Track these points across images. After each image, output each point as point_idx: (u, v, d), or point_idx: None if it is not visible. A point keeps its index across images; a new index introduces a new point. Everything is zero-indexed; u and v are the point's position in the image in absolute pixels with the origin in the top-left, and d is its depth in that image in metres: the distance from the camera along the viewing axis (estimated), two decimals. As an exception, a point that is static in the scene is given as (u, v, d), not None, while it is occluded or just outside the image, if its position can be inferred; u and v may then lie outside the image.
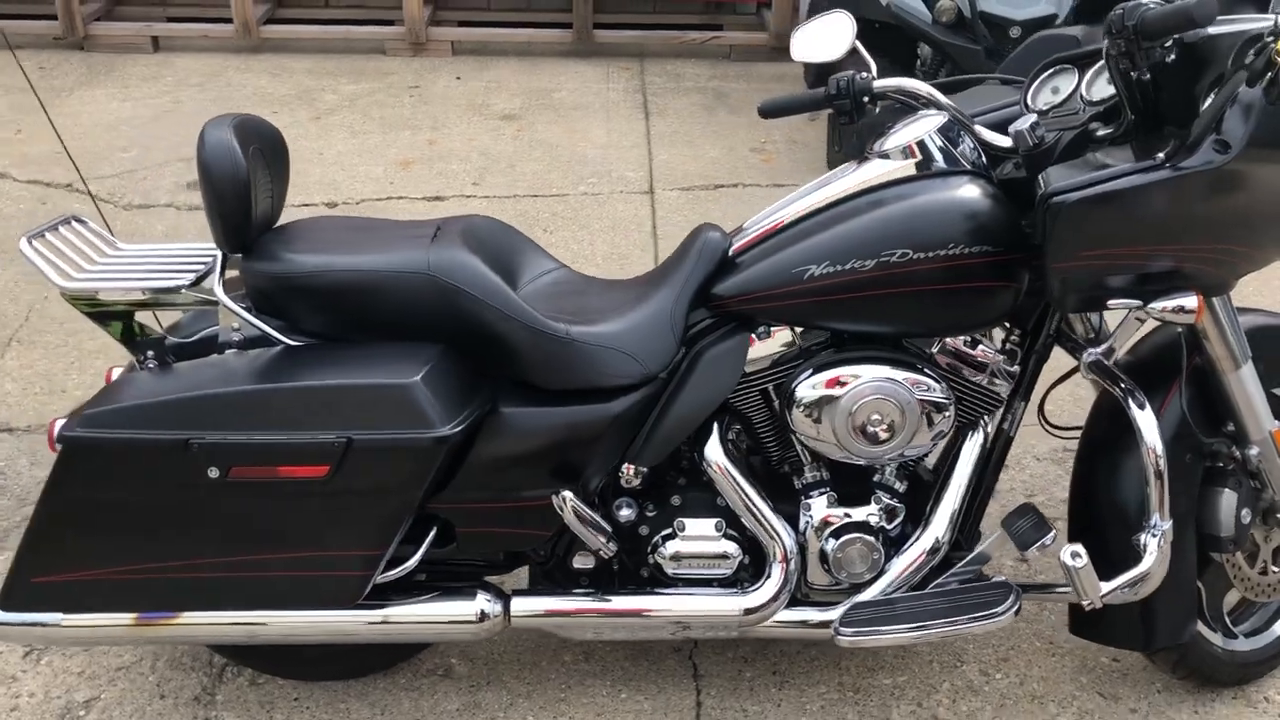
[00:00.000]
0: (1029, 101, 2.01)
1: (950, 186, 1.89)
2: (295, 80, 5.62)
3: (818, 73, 4.28)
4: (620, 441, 1.94)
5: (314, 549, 1.81)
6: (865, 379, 1.90)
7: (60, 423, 1.77)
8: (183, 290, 1.85)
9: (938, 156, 1.95)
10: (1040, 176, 1.77)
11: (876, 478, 2.05)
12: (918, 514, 2.05)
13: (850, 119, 2.00)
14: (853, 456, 1.96)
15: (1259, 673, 2.25)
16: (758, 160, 4.82)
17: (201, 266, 1.88)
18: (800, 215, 1.95)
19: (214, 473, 1.71)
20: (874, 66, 2.04)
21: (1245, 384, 2.01)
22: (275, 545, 1.81)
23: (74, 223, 1.98)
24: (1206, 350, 1.98)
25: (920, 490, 2.08)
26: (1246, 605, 2.27)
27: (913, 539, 2.02)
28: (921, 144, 1.94)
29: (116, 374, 1.95)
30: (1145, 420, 1.88)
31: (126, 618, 1.86)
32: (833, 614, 2.01)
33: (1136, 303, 1.83)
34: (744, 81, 5.81)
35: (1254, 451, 2.04)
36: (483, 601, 1.97)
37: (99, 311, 1.89)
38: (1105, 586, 1.93)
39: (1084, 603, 1.93)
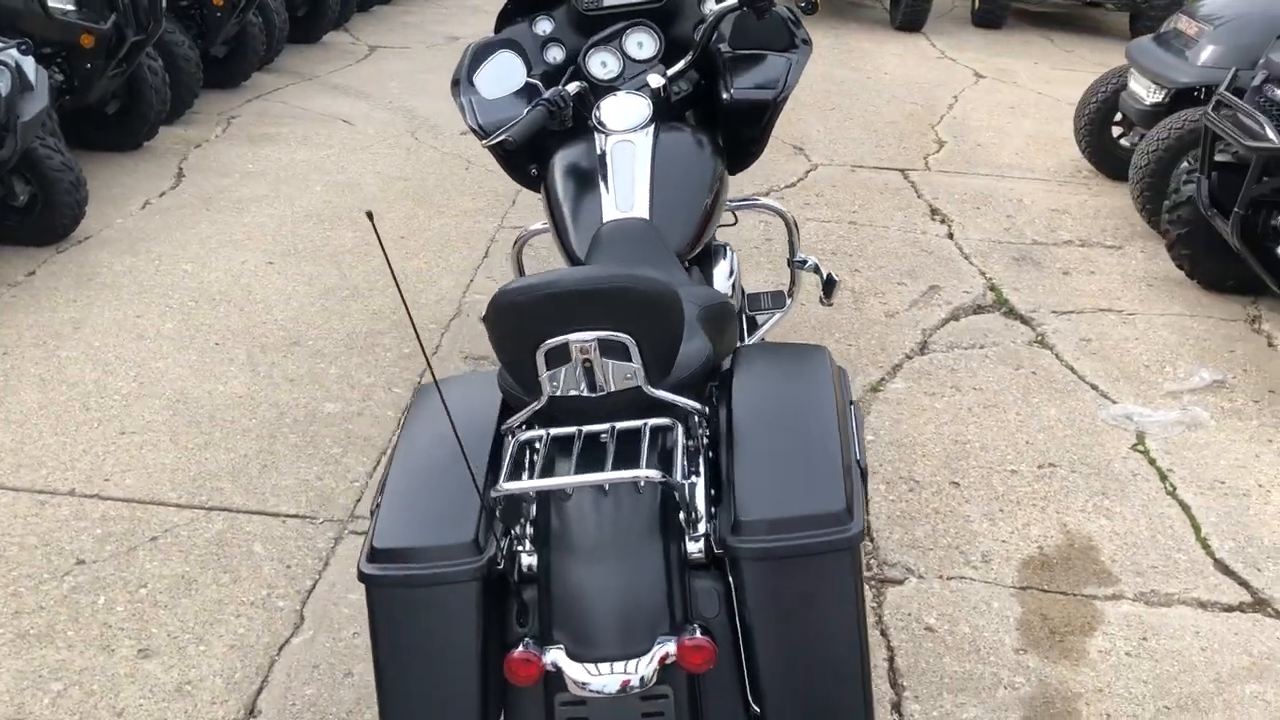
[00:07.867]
0: (590, 72, 2.60)
1: (688, 125, 2.67)
2: None
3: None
4: None
5: None
6: None
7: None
8: None
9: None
10: (730, 95, 2.58)
11: None
12: None
13: (572, 119, 2.48)
14: None
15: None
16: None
17: None
18: (652, 173, 2.37)
19: None
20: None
21: None
22: None
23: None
24: None
25: None
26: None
27: None
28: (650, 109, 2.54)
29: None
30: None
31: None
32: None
33: None
34: None
35: None
36: None
37: None
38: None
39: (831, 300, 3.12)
